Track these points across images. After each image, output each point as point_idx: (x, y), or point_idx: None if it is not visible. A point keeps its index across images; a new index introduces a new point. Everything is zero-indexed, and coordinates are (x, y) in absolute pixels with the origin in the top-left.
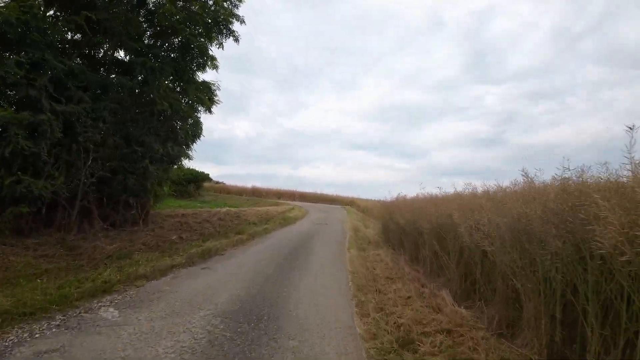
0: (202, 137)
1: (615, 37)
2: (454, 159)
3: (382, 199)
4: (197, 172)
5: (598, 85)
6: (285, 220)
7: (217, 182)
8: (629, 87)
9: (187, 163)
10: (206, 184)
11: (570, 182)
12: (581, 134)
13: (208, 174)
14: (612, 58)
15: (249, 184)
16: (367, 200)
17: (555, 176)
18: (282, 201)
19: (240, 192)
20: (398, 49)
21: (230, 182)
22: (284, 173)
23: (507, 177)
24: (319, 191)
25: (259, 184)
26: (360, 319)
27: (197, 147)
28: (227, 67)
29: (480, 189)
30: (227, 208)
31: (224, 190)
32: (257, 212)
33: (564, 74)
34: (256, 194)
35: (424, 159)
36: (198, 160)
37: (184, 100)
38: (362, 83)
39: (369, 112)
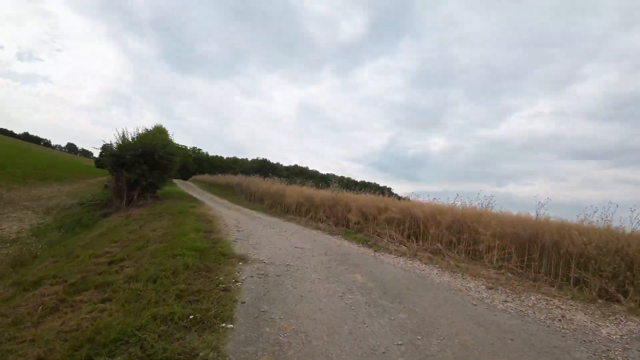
0: (393, 155)
1: None
2: None
3: None
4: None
5: None
6: None
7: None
8: None
9: None
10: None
11: None
12: None
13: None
14: None
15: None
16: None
17: None
18: None
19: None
20: (626, 25)
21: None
22: (486, 190)
23: None
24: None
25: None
26: None
27: (389, 165)
28: (417, 83)
29: None
30: None
31: None
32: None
33: None
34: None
35: None
36: (389, 178)
37: None
38: (581, 74)
39: (595, 109)
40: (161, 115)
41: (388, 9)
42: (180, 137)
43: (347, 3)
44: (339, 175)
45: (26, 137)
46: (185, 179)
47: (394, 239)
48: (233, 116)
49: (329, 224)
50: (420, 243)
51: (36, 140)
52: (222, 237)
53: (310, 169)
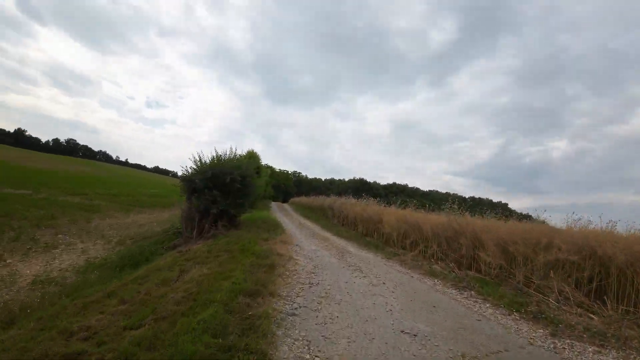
0: (505, 165)
1: None
2: None
3: None
4: None
5: None
6: None
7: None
8: None
9: None
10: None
11: None
12: None
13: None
14: None
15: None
16: None
17: None
18: None
19: None
20: None
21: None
22: (624, 201)
23: None
24: None
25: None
26: None
27: (501, 177)
28: (524, 82)
29: None
30: None
31: None
32: None
33: None
34: None
35: None
36: (503, 192)
37: None
38: None
39: None
40: (267, 145)
41: (478, 7)
42: (284, 163)
43: (434, 10)
44: (443, 191)
45: (156, 170)
46: (285, 201)
47: (568, 298)
48: (329, 140)
49: (448, 264)
50: (621, 307)
51: (165, 172)
52: (273, 304)
53: (410, 186)
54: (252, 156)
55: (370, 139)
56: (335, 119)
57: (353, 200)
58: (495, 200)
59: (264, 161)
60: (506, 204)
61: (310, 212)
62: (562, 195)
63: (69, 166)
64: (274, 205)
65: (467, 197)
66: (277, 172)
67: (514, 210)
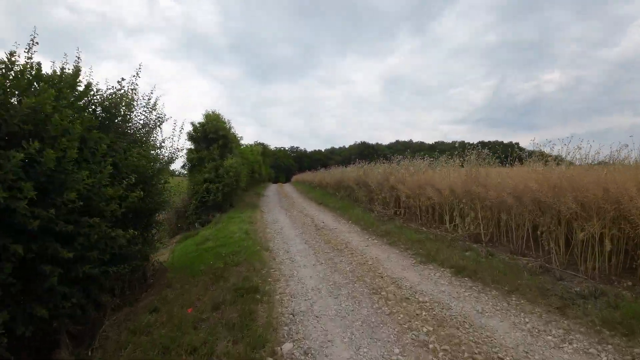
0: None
1: None
2: None
3: None
4: None
5: None
6: None
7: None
8: None
9: None
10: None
11: None
12: None
13: None
14: None
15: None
16: None
17: None
18: None
19: None
20: None
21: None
22: (624, 125)
23: None
24: None
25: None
26: None
27: (501, 118)
28: (510, 15)
29: None
30: None
31: None
32: None
33: None
34: None
35: None
36: (506, 133)
37: None
38: None
39: None
40: (260, 126)
41: None
42: (281, 141)
43: None
44: (448, 141)
45: None
46: (288, 180)
47: None
48: (320, 109)
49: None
50: None
51: None
52: None
53: (414, 141)
54: (213, 119)
55: (361, 100)
56: (321, 86)
57: (368, 167)
58: (504, 141)
59: (257, 140)
60: (517, 143)
61: (321, 195)
62: (561, 127)
63: None
64: (271, 189)
65: (475, 142)
66: (272, 150)
67: (523, 149)
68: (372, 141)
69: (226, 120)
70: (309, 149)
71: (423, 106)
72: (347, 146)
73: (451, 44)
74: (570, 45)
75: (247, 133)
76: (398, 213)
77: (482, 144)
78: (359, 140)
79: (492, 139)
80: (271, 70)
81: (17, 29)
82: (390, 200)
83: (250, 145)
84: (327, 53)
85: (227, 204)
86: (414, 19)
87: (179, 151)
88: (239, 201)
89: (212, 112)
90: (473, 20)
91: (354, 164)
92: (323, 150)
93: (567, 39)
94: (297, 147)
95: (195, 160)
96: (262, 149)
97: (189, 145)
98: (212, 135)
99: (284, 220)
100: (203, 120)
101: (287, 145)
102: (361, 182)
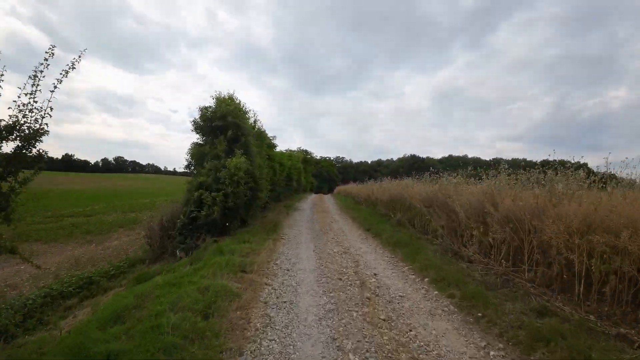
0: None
1: None
2: None
3: None
4: None
5: None
6: None
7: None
8: None
9: None
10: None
11: None
12: None
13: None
14: None
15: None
16: None
17: None
18: None
19: None
20: None
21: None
22: None
23: None
24: None
25: None
26: None
27: (562, 136)
28: (572, 29)
29: None
30: None
31: None
32: None
33: None
34: None
35: None
36: (566, 153)
37: None
38: None
39: None
40: (307, 137)
41: None
42: (326, 151)
43: None
44: (507, 158)
45: None
46: (330, 191)
47: None
48: (369, 122)
49: None
50: None
51: None
52: None
53: (469, 156)
54: (228, 104)
55: (411, 114)
56: (371, 99)
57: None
58: (570, 162)
59: (301, 147)
60: (586, 164)
61: (369, 214)
62: (630, 148)
63: (102, 183)
64: (308, 202)
65: (537, 161)
66: (315, 158)
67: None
68: (423, 155)
69: (245, 106)
70: (355, 160)
71: (477, 121)
72: (395, 159)
73: (509, 57)
74: (638, 61)
75: (296, 142)
76: (520, 270)
77: (545, 164)
78: (407, 153)
79: (551, 157)
80: (322, 82)
81: (87, 37)
82: (499, 244)
83: (290, 151)
84: (378, 66)
85: (235, 222)
86: (469, 32)
87: None
88: (258, 216)
89: (227, 95)
90: (531, 33)
91: (400, 177)
92: (369, 162)
93: (634, 54)
94: (343, 158)
95: (197, 157)
96: (303, 156)
97: (196, 138)
98: (217, 122)
99: (307, 263)
100: (214, 106)
101: (332, 156)
102: (438, 203)
